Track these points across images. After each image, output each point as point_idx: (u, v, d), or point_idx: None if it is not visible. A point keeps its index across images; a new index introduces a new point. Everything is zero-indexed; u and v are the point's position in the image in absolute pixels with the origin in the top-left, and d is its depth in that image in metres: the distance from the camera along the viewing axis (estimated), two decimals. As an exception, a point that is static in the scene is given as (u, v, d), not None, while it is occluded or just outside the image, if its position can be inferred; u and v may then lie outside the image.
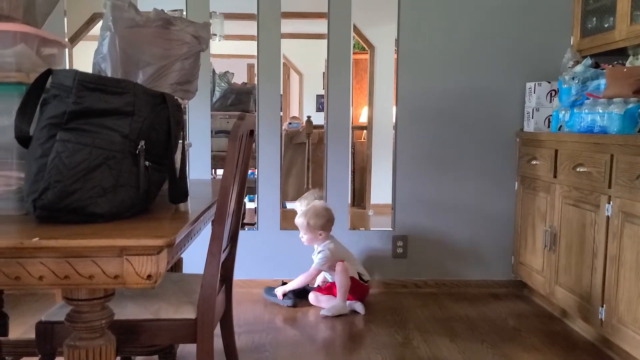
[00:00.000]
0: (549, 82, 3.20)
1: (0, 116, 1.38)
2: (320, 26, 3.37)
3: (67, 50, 3.12)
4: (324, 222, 3.10)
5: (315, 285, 3.17)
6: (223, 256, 1.72)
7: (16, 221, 1.31)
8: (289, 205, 3.64)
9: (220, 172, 3.41)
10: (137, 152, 1.31)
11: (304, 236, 3.15)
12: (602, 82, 2.64)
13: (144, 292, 1.64)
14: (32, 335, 1.61)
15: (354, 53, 3.41)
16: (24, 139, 1.31)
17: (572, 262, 2.71)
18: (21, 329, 2.68)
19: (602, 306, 2.44)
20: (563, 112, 2.95)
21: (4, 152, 1.38)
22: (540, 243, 3.04)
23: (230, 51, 3.54)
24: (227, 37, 3.46)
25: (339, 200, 3.33)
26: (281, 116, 3.43)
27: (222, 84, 3.58)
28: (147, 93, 1.36)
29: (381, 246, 3.41)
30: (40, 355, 1.63)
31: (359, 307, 3.02)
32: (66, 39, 3.22)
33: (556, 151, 2.87)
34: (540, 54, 3.38)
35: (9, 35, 1.40)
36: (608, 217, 2.41)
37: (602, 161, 2.45)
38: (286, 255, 3.44)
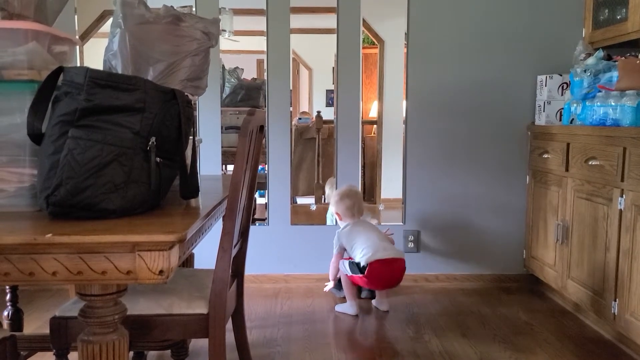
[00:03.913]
0: (561, 75, 3.18)
1: (13, 114, 1.39)
2: (330, 21, 3.36)
3: (77, 47, 3.16)
4: (334, 203, 3.06)
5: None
6: (234, 251, 1.72)
7: (29, 217, 1.32)
8: (300, 200, 3.65)
9: (230, 167, 3.42)
10: (148, 148, 1.32)
11: None
12: (615, 74, 2.61)
13: (156, 288, 1.65)
14: (46, 330, 1.63)
15: (363, 47, 3.40)
16: (36, 136, 1.32)
17: (585, 256, 2.70)
18: (35, 324, 2.71)
19: (615, 300, 2.42)
20: (575, 105, 2.92)
21: (17, 149, 1.39)
22: (552, 237, 3.03)
23: (239, 47, 3.54)
24: (237, 33, 3.46)
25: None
26: (291, 111, 3.44)
27: (232, 80, 3.58)
28: (158, 89, 1.37)
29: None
30: (54, 350, 1.65)
31: (384, 305, 2.99)
32: (77, 37, 3.24)
33: (568, 144, 2.85)
34: (552, 46, 3.35)
35: (21, 33, 1.41)
36: (621, 210, 2.39)
37: (614, 154, 2.43)
38: (297, 250, 3.45)
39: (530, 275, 3.40)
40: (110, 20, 1.71)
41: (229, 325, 1.82)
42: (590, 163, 2.63)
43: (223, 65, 3.47)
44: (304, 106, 3.75)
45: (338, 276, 3.15)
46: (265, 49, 3.37)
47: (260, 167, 3.24)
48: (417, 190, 3.44)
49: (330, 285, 3.14)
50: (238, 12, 3.43)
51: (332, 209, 3.11)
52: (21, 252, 1.12)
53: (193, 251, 2.12)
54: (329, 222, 3.51)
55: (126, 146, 1.28)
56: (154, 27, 1.65)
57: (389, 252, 2.83)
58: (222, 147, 3.41)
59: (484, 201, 3.44)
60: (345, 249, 2.98)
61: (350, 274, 2.88)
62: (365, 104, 3.49)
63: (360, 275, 2.81)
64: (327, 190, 3.56)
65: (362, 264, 2.80)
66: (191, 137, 1.53)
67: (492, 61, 3.38)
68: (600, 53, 2.82)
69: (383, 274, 2.80)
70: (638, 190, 2.28)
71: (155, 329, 1.58)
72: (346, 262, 2.90)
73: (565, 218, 2.87)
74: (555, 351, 2.49)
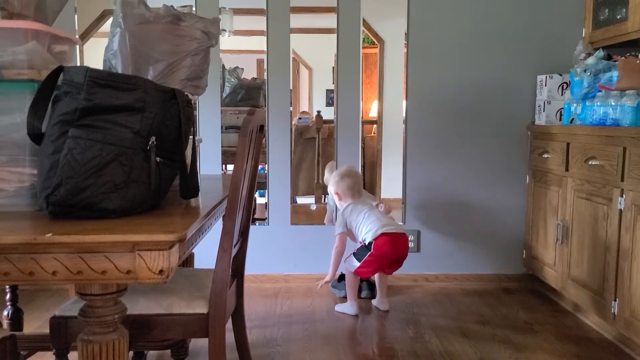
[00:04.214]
0: (561, 75, 3.18)
1: (13, 113, 1.39)
2: (330, 21, 3.36)
3: (77, 47, 3.15)
4: (335, 183, 3.05)
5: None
6: (234, 251, 1.72)
7: (29, 217, 1.32)
8: (300, 200, 3.65)
9: (230, 167, 3.42)
10: (148, 148, 1.32)
11: None
12: (615, 74, 2.61)
13: (156, 287, 1.65)
14: (46, 329, 1.63)
15: (363, 47, 3.40)
16: (36, 136, 1.32)
17: (585, 255, 2.70)
18: (35, 324, 2.71)
19: (615, 300, 2.42)
20: (575, 104, 2.92)
21: (17, 148, 1.39)
22: (552, 237, 3.03)
23: (239, 46, 3.54)
24: (237, 33, 3.46)
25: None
26: (291, 111, 3.44)
27: (232, 80, 3.58)
28: (158, 89, 1.37)
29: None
30: (54, 350, 1.65)
31: (384, 305, 3.00)
32: (77, 36, 3.24)
33: (568, 144, 2.85)
34: (552, 46, 3.35)
35: (21, 32, 1.41)
36: (621, 210, 2.39)
37: (614, 154, 2.43)
38: (297, 250, 3.45)
39: (530, 275, 3.40)
40: (110, 20, 1.71)
41: (229, 325, 1.82)
42: (590, 163, 2.63)
43: (223, 65, 3.47)
44: (304, 106, 3.75)
45: (339, 274, 3.15)
46: (265, 49, 3.37)
47: (260, 166, 3.23)
48: (417, 190, 3.44)
49: (325, 280, 3.00)
50: (238, 11, 3.44)
51: (331, 189, 3.10)
52: (21, 252, 1.12)
53: (193, 251, 2.12)
54: (326, 221, 3.51)
55: (126, 146, 1.28)
56: (154, 27, 1.65)
57: (393, 227, 2.88)
58: (222, 146, 3.41)
59: (484, 201, 3.44)
60: (349, 230, 2.97)
61: (358, 264, 2.85)
62: (365, 104, 3.49)
63: (369, 253, 2.82)
64: (327, 174, 3.55)
65: (368, 240, 2.83)
66: (191, 137, 1.53)
67: (492, 61, 3.38)
68: (600, 53, 2.82)
69: (389, 248, 2.82)
70: (638, 190, 2.28)
71: (155, 328, 1.58)
72: (352, 257, 2.91)
73: (565, 218, 2.87)
74: (555, 351, 2.49)
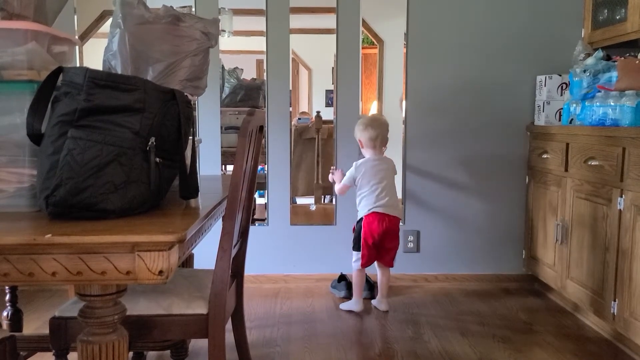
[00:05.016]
0: (560, 75, 3.18)
1: (13, 114, 1.39)
2: (329, 21, 3.36)
3: (77, 47, 3.16)
4: (359, 131, 3.03)
5: None
6: (234, 251, 1.72)
7: (29, 218, 1.32)
8: (299, 200, 3.65)
9: (230, 167, 3.42)
10: (148, 148, 1.32)
11: None
12: (614, 74, 2.61)
13: (155, 288, 1.65)
14: (45, 330, 1.63)
15: (363, 48, 3.40)
16: (36, 137, 1.32)
17: (584, 256, 2.70)
18: (35, 325, 2.71)
19: (615, 300, 2.43)
20: (574, 105, 2.93)
21: (17, 149, 1.39)
22: (551, 237, 3.03)
23: (239, 47, 3.54)
24: (236, 33, 3.46)
25: (348, 194, 3.32)
26: (290, 112, 3.44)
27: (232, 80, 3.58)
28: (157, 89, 1.37)
29: (391, 241, 3.40)
30: (54, 351, 1.65)
31: (383, 305, 3.00)
32: (76, 37, 3.24)
33: (567, 145, 2.85)
34: (551, 46, 3.35)
35: (20, 33, 1.41)
36: (620, 210, 2.39)
37: (614, 154, 2.44)
38: (296, 251, 3.45)
39: (529, 276, 3.40)
40: (110, 20, 1.71)
41: (229, 325, 1.82)
42: (589, 163, 2.63)
43: (223, 65, 3.47)
44: (303, 106, 3.75)
45: (338, 274, 3.16)
46: (264, 49, 3.37)
47: (259, 167, 3.23)
48: (416, 190, 3.44)
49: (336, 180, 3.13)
50: (238, 12, 3.43)
51: (356, 136, 3.09)
52: (21, 253, 1.12)
53: (193, 251, 2.12)
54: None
55: (126, 146, 1.28)
56: (154, 27, 1.65)
57: (386, 209, 2.93)
58: (221, 147, 3.41)
59: (484, 201, 3.44)
60: (354, 185, 3.02)
61: (360, 255, 2.91)
62: (364, 104, 3.49)
63: (361, 233, 2.91)
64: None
65: (359, 215, 2.96)
66: (191, 137, 1.53)
67: (491, 61, 3.38)
68: (600, 53, 2.82)
69: (377, 225, 2.90)
70: (637, 191, 2.29)
71: (155, 329, 1.58)
72: (353, 253, 2.95)
73: (565, 218, 2.87)
74: (555, 351, 2.49)
